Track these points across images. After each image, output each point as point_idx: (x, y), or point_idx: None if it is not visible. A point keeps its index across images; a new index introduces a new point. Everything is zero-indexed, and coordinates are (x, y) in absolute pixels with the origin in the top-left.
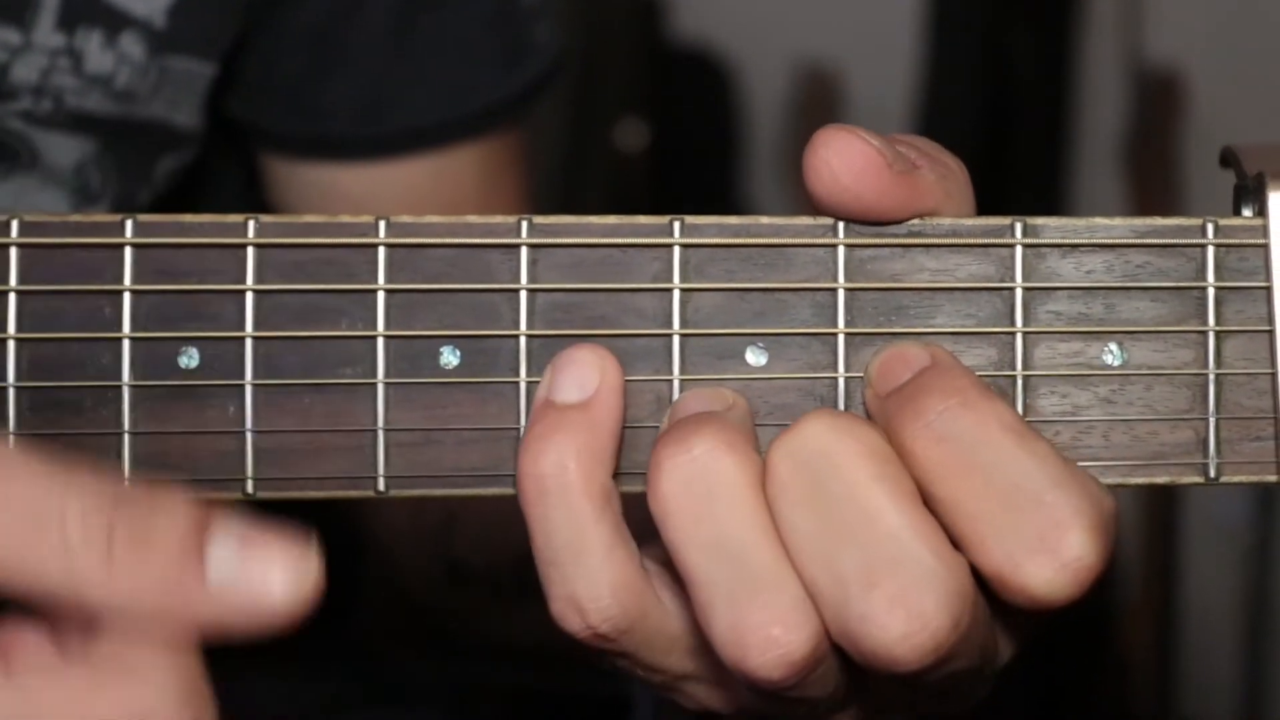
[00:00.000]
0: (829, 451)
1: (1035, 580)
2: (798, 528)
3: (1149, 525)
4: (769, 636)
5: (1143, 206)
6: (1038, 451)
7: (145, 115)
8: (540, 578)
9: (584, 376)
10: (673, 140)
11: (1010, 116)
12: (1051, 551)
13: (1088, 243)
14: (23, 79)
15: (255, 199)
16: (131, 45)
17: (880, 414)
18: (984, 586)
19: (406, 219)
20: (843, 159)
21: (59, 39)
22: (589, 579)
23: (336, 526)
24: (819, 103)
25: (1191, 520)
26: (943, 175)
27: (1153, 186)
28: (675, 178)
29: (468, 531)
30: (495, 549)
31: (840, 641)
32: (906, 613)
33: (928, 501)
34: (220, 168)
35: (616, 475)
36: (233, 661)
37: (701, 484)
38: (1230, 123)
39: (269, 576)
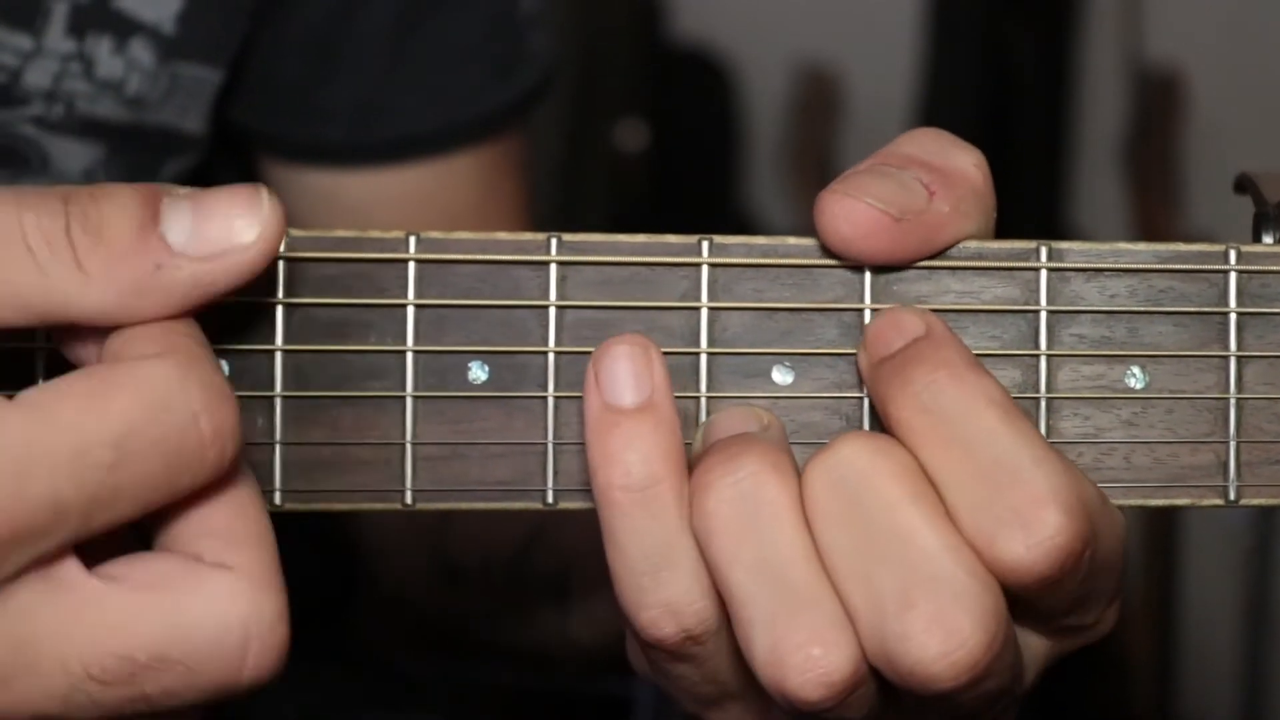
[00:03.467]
0: (864, 472)
1: (1007, 555)
2: (835, 547)
3: (1149, 526)
4: (809, 656)
5: (1143, 207)
6: (1021, 430)
7: (155, 121)
8: (625, 591)
9: (636, 372)
10: (673, 140)
11: (1010, 116)
12: (1025, 527)
13: (1111, 267)
14: (35, 84)
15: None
16: (141, 51)
17: (871, 381)
18: None
19: (437, 234)
20: (850, 225)
21: (69, 44)
22: (684, 583)
23: (334, 528)
24: (819, 103)
25: (1192, 521)
26: (958, 198)
27: (1153, 187)
28: (675, 178)
29: (461, 531)
30: (489, 548)
31: (877, 661)
32: (944, 632)
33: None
34: (220, 172)
35: None
36: None
37: (747, 505)
38: (1230, 123)
39: (230, 224)
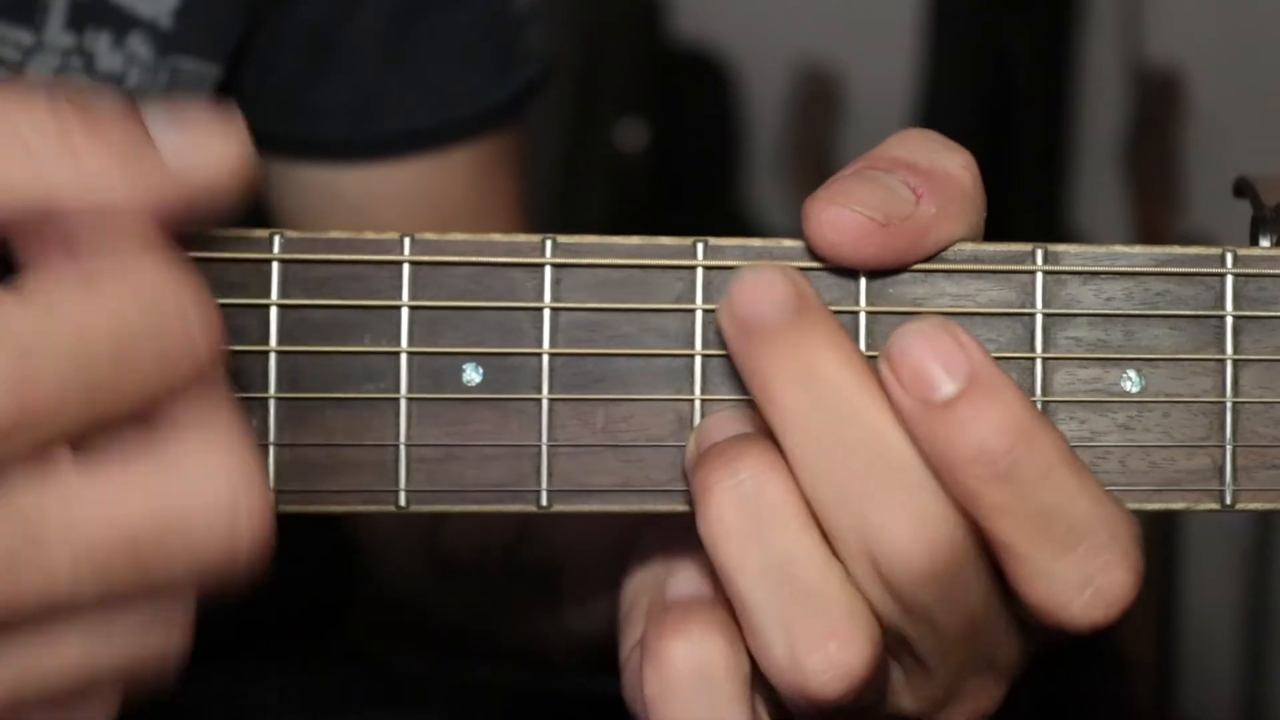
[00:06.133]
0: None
1: (1077, 617)
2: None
3: (1150, 525)
4: (826, 654)
5: (1142, 207)
6: (1091, 490)
7: None
8: None
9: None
10: (673, 140)
11: (1010, 116)
12: (1098, 592)
13: (1108, 270)
14: (37, 79)
15: (251, 198)
16: (139, 46)
17: (917, 421)
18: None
19: (431, 236)
20: (837, 232)
21: (69, 39)
22: None
23: (332, 528)
24: (819, 103)
25: (1191, 521)
26: (945, 200)
27: (1153, 187)
28: (675, 178)
29: (455, 523)
30: (482, 539)
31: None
32: (925, 538)
33: (976, 527)
34: None
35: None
36: (233, 661)
37: (750, 507)
38: (1230, 123)
39: (209, 143)
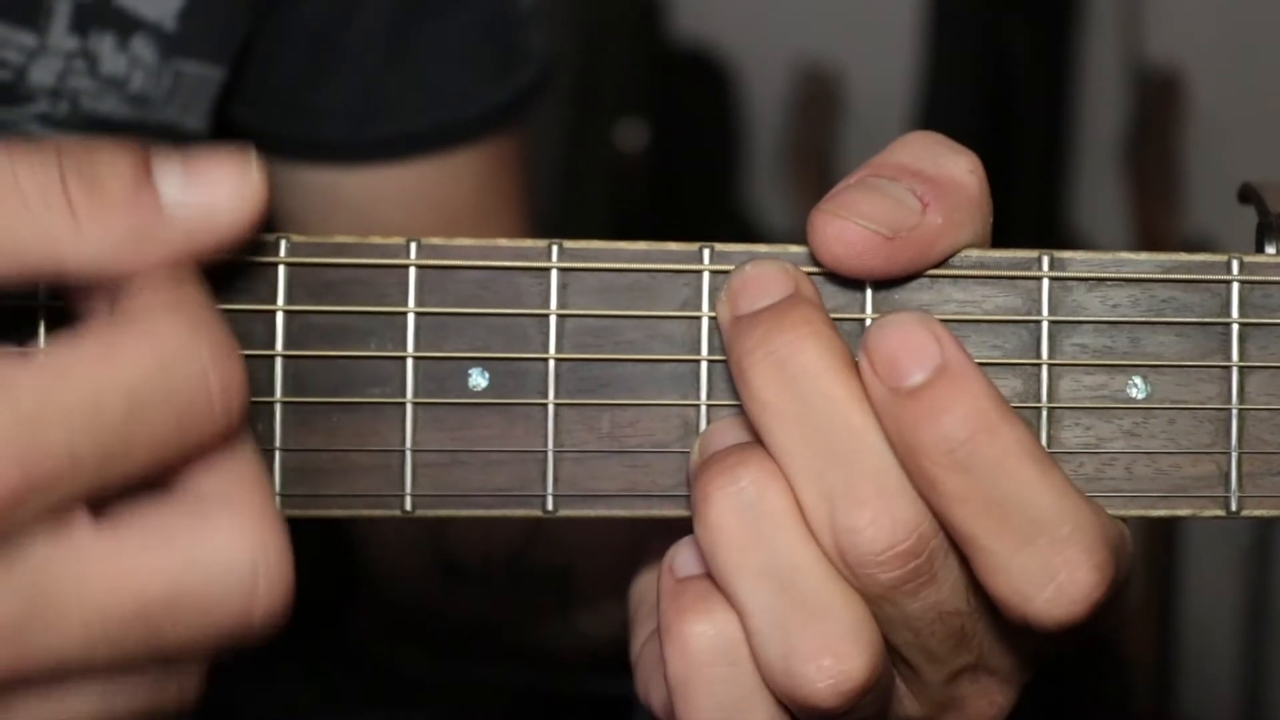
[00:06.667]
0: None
1: (1041, 613)
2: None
3: (1151, 526)
4: (820, 667)
5: (1142, 207)
6: (1054, 483)
7: (158, 119)
8: None
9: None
10: (673, 140)
11: (1010, 116)
12: (1060, 588)
13: (1114, 277)
14: (40, 82)
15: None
16: (143, 48)
17: (887, 409)
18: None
19: (437, 241)
20: (842, 246)
21: (73, 42)
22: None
23: (333, 528)
24: (819, 103)
25: (1192, 521)
26: (951, 207)
27: (1153, 187)
28: (675, 178)
29: (460, 526)
30: (487, 542)
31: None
32: (886, 519)
33: (938, 518)
34: None
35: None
36: (232, 662)
37: (749, 514)
38: (1230, 123)
39: (220, 183)
